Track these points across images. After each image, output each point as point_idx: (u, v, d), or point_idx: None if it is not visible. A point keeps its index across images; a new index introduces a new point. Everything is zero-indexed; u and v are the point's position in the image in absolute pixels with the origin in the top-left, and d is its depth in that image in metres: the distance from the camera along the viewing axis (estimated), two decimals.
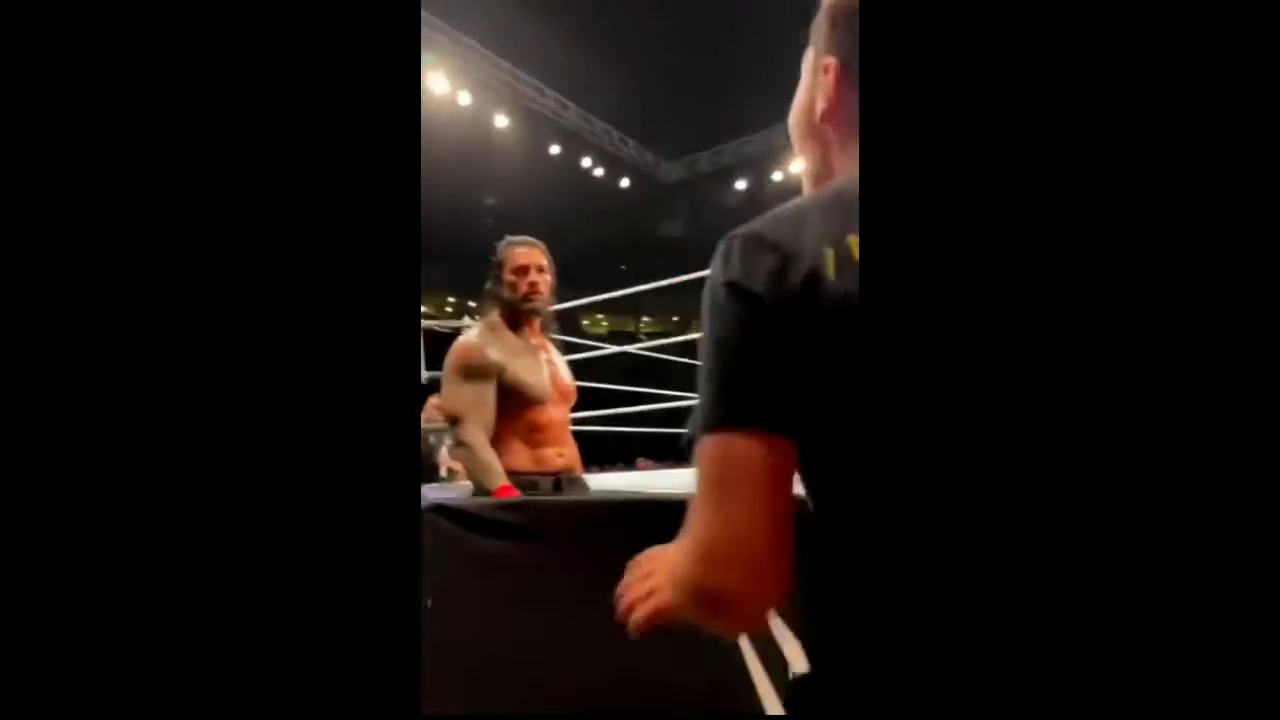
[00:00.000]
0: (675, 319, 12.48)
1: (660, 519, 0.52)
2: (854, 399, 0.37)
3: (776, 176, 9.34)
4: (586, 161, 9.81)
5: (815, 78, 0.51)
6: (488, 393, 1.50)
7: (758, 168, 9.68)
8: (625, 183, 10.63)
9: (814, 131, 0.51)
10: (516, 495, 1.44)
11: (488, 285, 1.65)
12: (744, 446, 0.40)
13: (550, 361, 1.64)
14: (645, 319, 12.94)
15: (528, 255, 1.62)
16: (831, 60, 0.49)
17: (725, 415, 0.41)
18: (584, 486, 1.67)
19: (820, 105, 0.50)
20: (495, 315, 1.62)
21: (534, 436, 1.56)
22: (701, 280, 0.46)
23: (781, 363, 0.40)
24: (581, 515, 1.10)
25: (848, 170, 0.48)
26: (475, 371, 1.52)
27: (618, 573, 0.57)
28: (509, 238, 1.67)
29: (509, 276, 1.61)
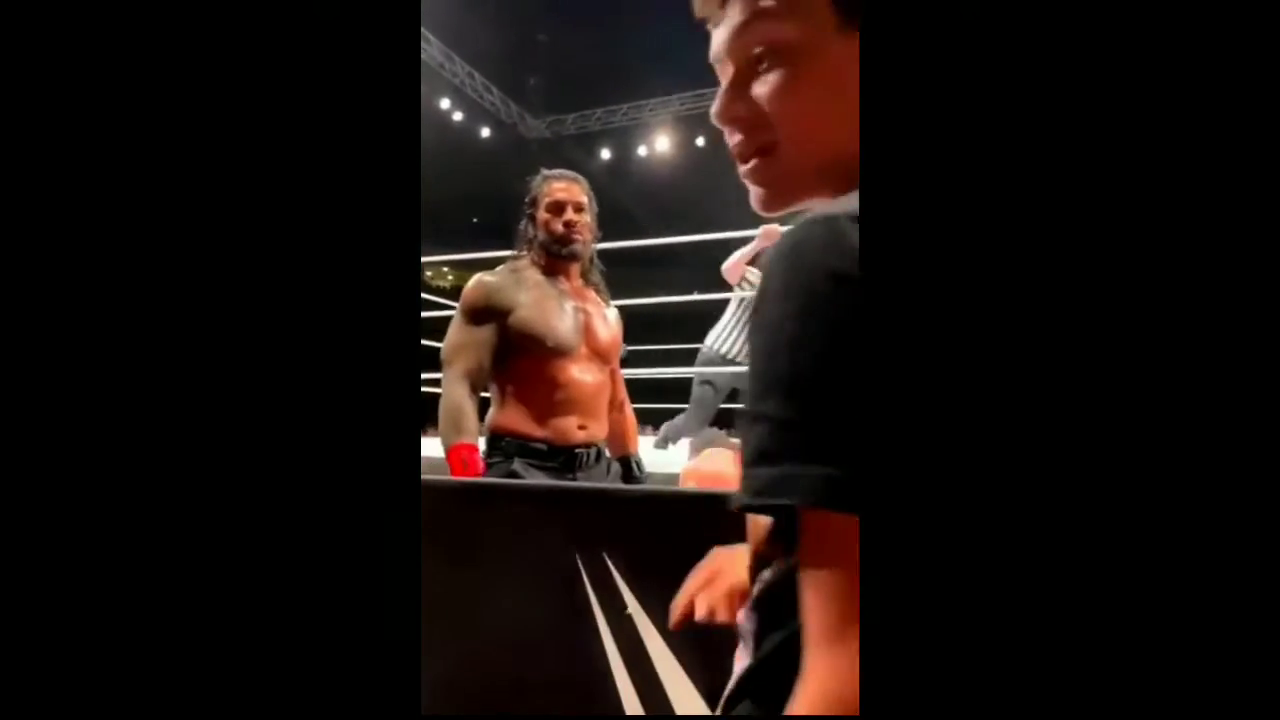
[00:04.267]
0: None
1: (635, 518, 0.61)
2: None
3: (641, 152, 11.01)
4: (445, 103, 9.85)
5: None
6: (480, 336, 1.32)
7: (624, 140, 11.17)
8: (486, 133, 10.81)
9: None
10: (475, 460, 1.27)
11: (521, 225, 1.47)
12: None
13: (584, 312, 1.42)
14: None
15: (566, 191, 1.43)
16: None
17: (853, 489, 0.28)
18: (634, 475, 1.48)
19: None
20: (526, 259, 1.44)
21: (550, 398, 1.33)
22: None
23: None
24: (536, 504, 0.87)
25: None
26: (473, 312, 1.35)
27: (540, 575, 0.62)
28: (545, 171, 1.50)
29: (543, 214, 1.42)
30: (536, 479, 1.28)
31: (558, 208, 1.44)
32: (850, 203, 0.33)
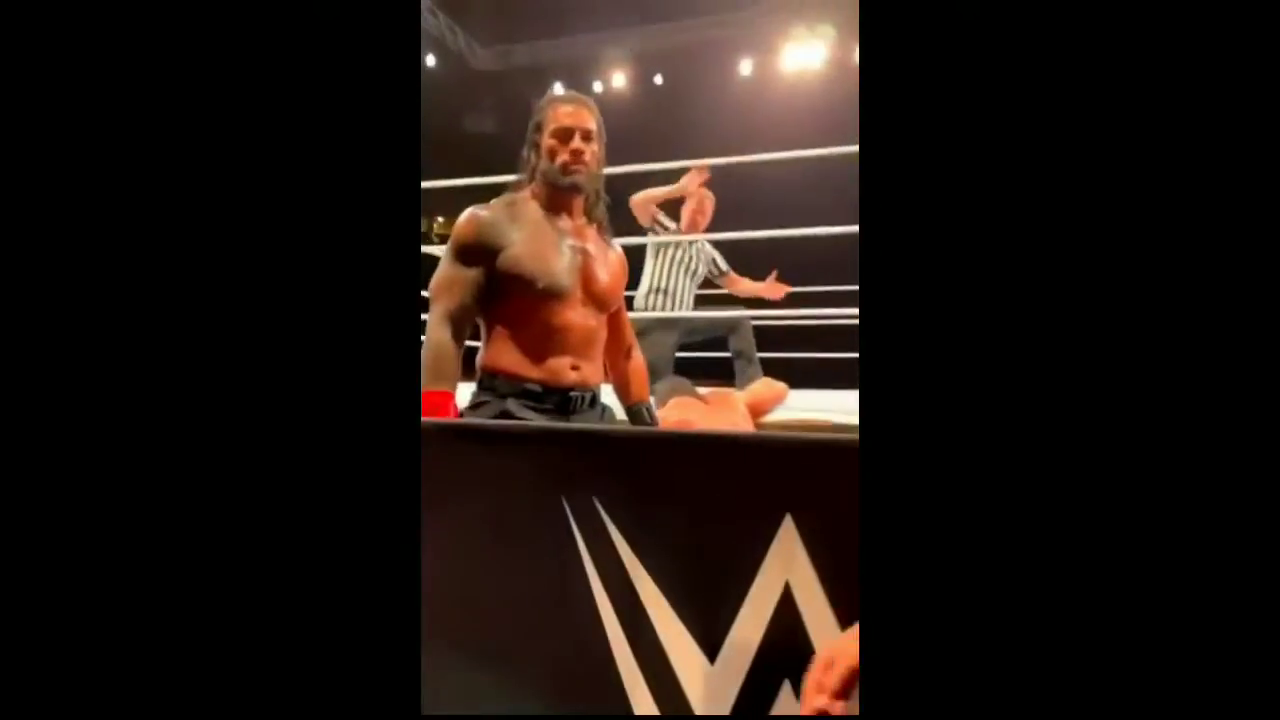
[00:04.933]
0: None
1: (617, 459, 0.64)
2: None
3: (597, 87, 10.65)
4: None
5: None
6: (467, 276, 1.26)
7: (578, 73, 10.76)
8: (430, 61, 10.22)
9: None
10: (448, 409, 1.23)
11: (524, 152, 1.35)
12: None
13: (583, 252, 1.33)
14: (439, 219, 11.73)
15: (573, 116, 1.31)
16: None
17: None
18: (610, 414, 1.42)
19: None
20: (525, 190, 1.35)
21: (544, 340, 1.27)
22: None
23: None
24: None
25: None
26: (462, 249, 1.27)
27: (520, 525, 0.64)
28: (551, 93, 1.39)
29: (547, 141, 1.31)
30: (530, 420, 1.25)
31: (564, 134, 1.31)
32: None
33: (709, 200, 2.92)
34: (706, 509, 0.79)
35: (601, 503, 0.82)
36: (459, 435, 0.93)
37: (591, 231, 1.39)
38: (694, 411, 1.93)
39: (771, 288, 3.00)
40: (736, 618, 0.76)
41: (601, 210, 1.41)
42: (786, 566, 0.74)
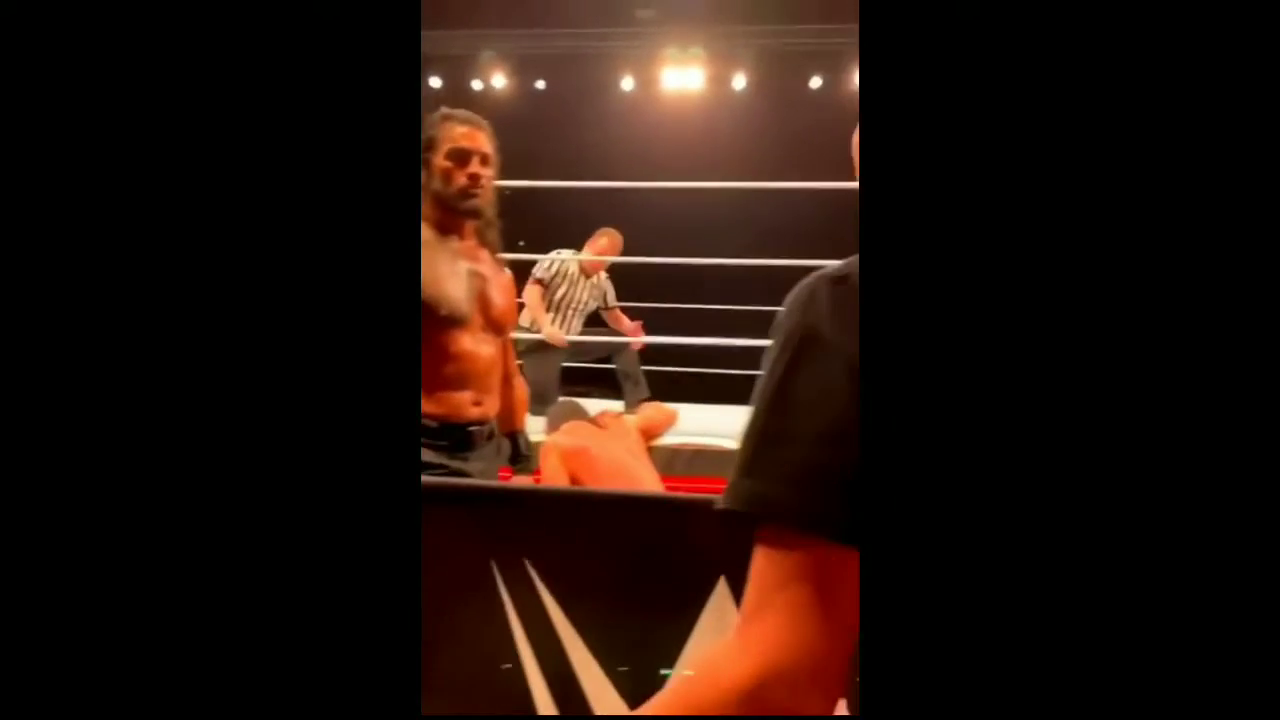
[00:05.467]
0: None
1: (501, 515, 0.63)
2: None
3: (476, 85, 10.44)
4: None
5: None
6: None
7: (457, 70, 10.47)
8: None
9: None
10: None
11: None
12: (823, 556, 0.34)
13: (478, 276, 1.27)
14: None
15: (469, 137, 1.25)
16: None
17: (809, 513, 0.34)
18: (520, 452, 1.41)
19: None
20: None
21: (440, 371, 1.20)
22: None
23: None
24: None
25: None
26: None
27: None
28: (445, 109, 1.31)
29: (441, 162, 1.24)
30: (424, 459, 1.18)
31: (461, 156, 1.26)
32: (839, 266, 0.40)
33: (618, 245, 2.97)
34: (641, 571, 0.79)
35: (533, 564, 0.78)
36: None
37: (483, 253, 1.36)
38: (588, 437, 1.92)
39: (634, 331, 3.08)
40: (669, 682, 0.75)
41: (495, 234, 1.38)
42: (720, 630, 0.75)
